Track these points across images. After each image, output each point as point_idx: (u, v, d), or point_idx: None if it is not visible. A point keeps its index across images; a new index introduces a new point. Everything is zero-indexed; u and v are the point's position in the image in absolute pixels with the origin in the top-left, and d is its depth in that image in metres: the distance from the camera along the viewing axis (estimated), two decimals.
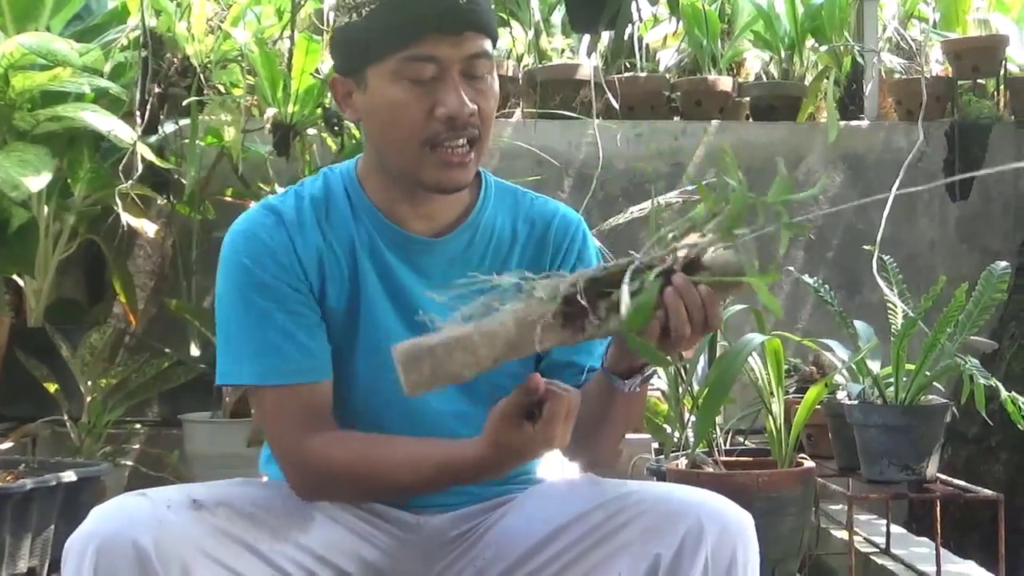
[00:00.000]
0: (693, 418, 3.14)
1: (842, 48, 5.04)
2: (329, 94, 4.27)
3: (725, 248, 1.75)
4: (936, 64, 5.20)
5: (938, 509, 3.18)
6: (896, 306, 3.32)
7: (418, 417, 2.06)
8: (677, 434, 3.24)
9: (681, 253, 1.73)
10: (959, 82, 5.03)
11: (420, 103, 1.94)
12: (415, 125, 1.95)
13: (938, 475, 3.15)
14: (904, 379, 3.07)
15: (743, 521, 1.86)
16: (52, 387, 3.85)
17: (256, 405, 2.03)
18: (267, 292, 2.01)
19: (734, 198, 1.73)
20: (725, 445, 3.25)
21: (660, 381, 3.35)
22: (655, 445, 3.63)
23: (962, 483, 3.18)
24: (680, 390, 3.20)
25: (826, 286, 3.39)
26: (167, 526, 1.76)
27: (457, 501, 2.13)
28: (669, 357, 1.80)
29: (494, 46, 2.04)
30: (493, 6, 4.80)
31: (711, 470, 3.00)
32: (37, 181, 3.50)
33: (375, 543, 2.08)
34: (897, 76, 5.13)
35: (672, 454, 3.17)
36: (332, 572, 2.00)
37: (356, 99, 2.02)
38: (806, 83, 5.10)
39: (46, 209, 4.01)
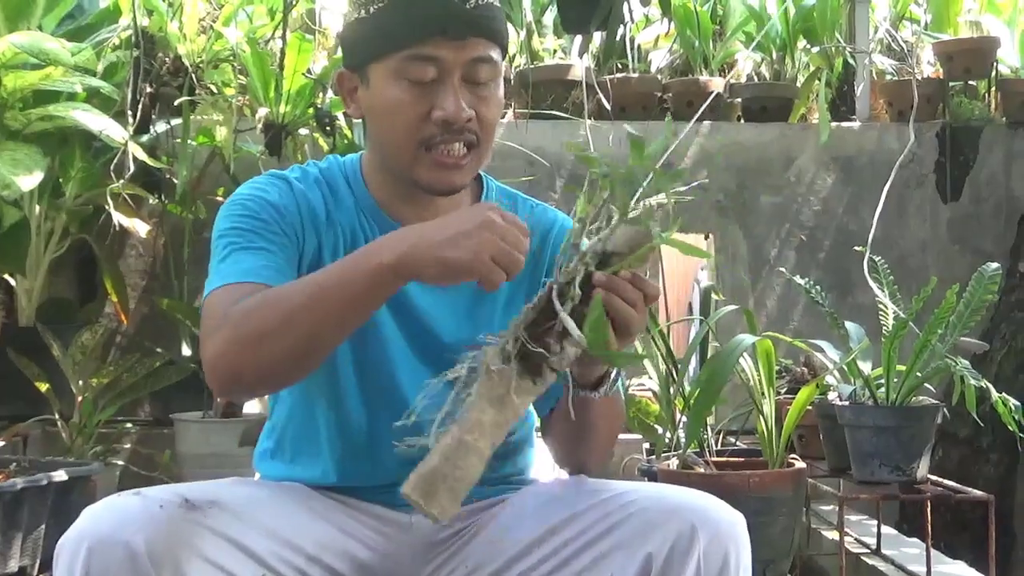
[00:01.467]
0: (684, 419, 3.15)
1: (833, 49, 5.04)
2: (321, 94, 4.28)
3: (625, 226, 1.75)
4: (927, 66, 5.21)
5: (929, 510, 3.18)
6: (887, 307, 3.33)
7: (400, 399, 2.04)
8: (668, 435, 3.24)
9: (589, 256, 1.74)
10: (950, 84, 5.04)
11: (418, 104, 1.95)
12: (411, 125, 1.96)
13: (929, 476, 3.16)
14: (895, 380, 3.08)
15: (735, 522, 1.86)
16: (43, 386, 3.85)
17: (205, 310, 1.91)
18: (257, 225, 2.00)
19: (606, 183, 1.75)
20: (716, 446, 3.25)
21: (651, 382, 3.36)
22: (646, 446, 3.64)
23: (953, 484, 3.19)
24: (671, 391, 3.21)
25: (817, 287, 3.39)
26: (159, 526, 1.76)
27: None
28: (638, 344, 1.83)
29: (504, 56, 2.04)
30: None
31: (702, 471, 3.00)
32: (28, 180, 3.50)
33: (367, 543, 2.08)
34: (888, 77, 5.14)
35: (663, 455, 3.18)
36: (324, 571, 2.00)
37: (360, 95, 2.03)
38: (798, 84, 5.11)
39: (38, 208, 4.01)
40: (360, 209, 2.09)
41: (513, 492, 2.11)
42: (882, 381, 3.10)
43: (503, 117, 4.78)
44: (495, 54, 1.98)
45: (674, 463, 3.06)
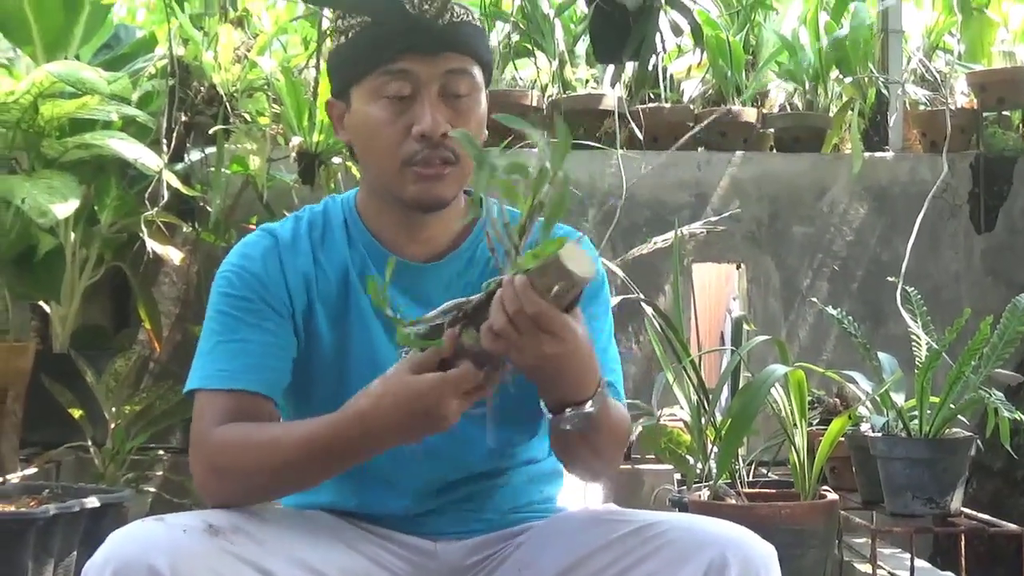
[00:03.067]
0: (716, 449, 3.13)
1: (866, 79, 5.03)
2: None
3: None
4: (961, 96, 5.19)
5: (962, 543, 3.16)
6: (920, 338, 3.31)
7: (418, 444, 2.02)
8: (699, 465, 3.23)
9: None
10: (984, 114, 5.02)
11: (397, 121, 1.97)
12: (392, 143, 1.98)
13: (962, 509, 3.14)
14: (928, 412, 3.06)
15: (766, 553, 1.85)
16: (76, 413, 3.86)
17: (194, 412, 1.99)
18: (241, 304, 2.03)
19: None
20: (748, 477, 3.24)
21: (683, 412, 3.35)
22: (677, 476, 3.63)
23: (987, 517, 3.16)
24: (703, 421, 3.19)
25: (850, 318, 3.38)
26: (183, 550, 1.76)
27: (475, 528, 2.13)
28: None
29: (486, 71, 2.06)
30: (513, 37, 4.76)
31: (733, 502, 2.99)
32: (64, 208, 3.52)
33: (392, 570, 2.07)
34: (922, 108, 5.12)
35: (694, 485, 3.17)
36: None
37: (346, 120, 2.07)
38: (830, 114, 5.10)
39: (73, 236, 4.04)
40: (352, 244, 2.10)
41: (540, 520, 2.10)
42: (915, 413, 3.09)
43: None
44: (472, 68, 2.00)
45: (705, 494, 3.05)
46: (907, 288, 3.55)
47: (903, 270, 4.23)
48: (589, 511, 2.10)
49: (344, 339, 2.07)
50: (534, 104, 4.89)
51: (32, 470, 3.79)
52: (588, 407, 1.84)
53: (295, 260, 2.07)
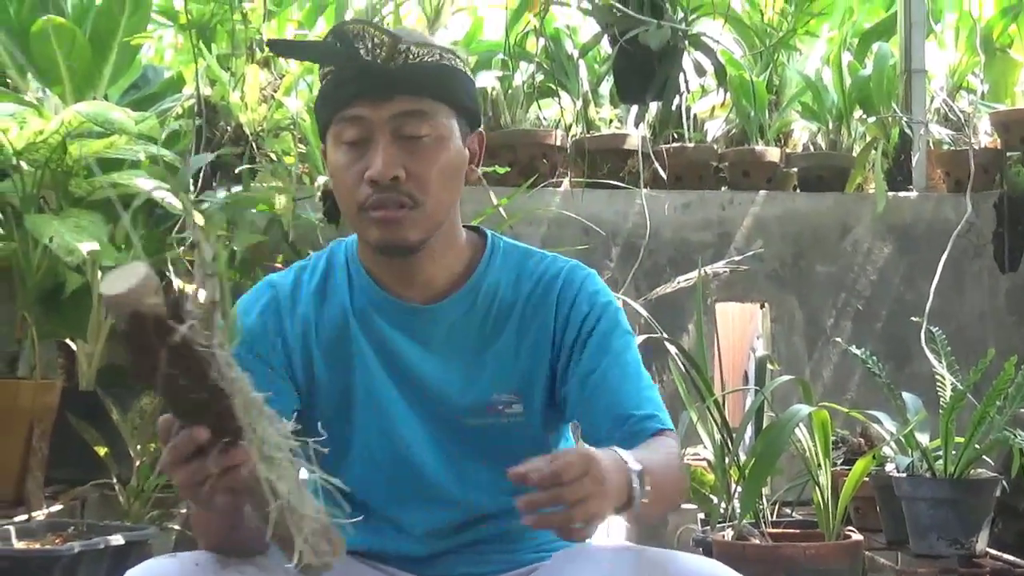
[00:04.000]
0: (739, 489, 3.12)
1: (890, 119, 5.04)
2: None
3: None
4: (985, 135, 5.19)
5: None
6: (945, 378, 3.30)
7: (417, 483, 2.05)
8: (723, 505, 3.21)
9: None
10: (1008, 153, 5.01)
11: (354, 167, 1.95)
12: (349, 189, 1.96)
13: (988, 550, 3.12)
14: (953, 452, 3.05)
15: None
16: (102, 450, 3.87)
17: None
18: (241, 365, 2.01)
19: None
20: (772, 516, 3.22)
21: (706, 451, 3.34)
22: (701, 515, 3.61)
23: (1012, 558, 3.14)
24: (726, 460, 3.18)
25: (874, 357, 3.37)
26: None
27: (489, 570, 2.12)
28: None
29: (463, 111, 2.02)
30: (537, 77, 4.76)
31: (757, 541, 2.98)
32: (91, 246, 3.54)
33: None
34: (945, 147, 5.12)
35: (718, 525, 3.15)
36: None
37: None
38: (854, 154, 5.10)
39: (99, 274, 4.05)
40: (352, 287, 2.09)
41: (562, 553, 2.06)
42: (940, 453, 3.07)
43: (559, 186, 4.81)
44: (430, 109, 1.96)
45: (729, 534, 3.04)
46: (931, 328, 3.54)
47: (927, 310, 4.21)
48: (614, 550, 2.08)
49: (346, 382, 2.07)
50: (558, 144, 4.91)
51: (57, 507, 3.80)
52: (634, 508, 1.75)
53: (295, 311, 2.07)
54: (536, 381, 2.07)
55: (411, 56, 1.93)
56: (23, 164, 3.76)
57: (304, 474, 1.58)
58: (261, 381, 1.99)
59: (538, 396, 2.07)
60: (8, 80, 4.38)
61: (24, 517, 3.59)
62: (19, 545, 3.19)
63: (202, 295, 1.48)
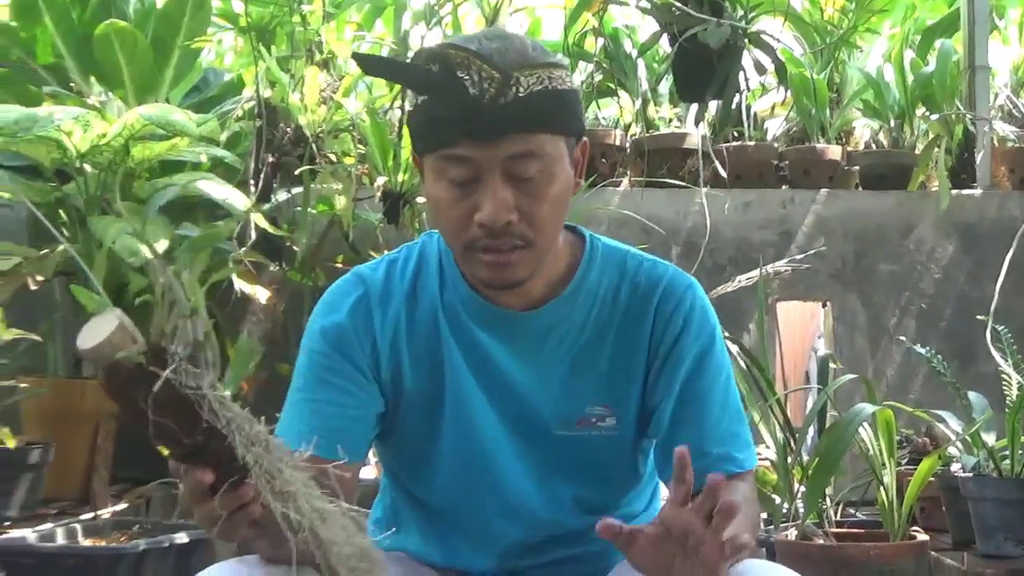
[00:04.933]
0: (802, 488, 3.10)
1: (953, 116, 4.99)
2: None
3: None
4: None
5: None
6: (1011, 377, 3.26)
7: (499, 496, 2.01)
8: (786, 505, 3.19)
9: None
10: None
11: (460, 205, 1.82)
12: (455, 227, 1.84)
13: None
14: (1020, 452, 3.01)
15: None
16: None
17: None
18: (323, 362, 1.98)
19: None
20: (835, 516, 3.19)
21: (769, 451, 3.32)
22: (764, 515, 3.59)
23: None
24: (789, 460, 3.16)
25: (939, 356, 3.34)
26: None
27: (565, 571, 2.09)
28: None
29: (571, 135, 1.87)
30: (596, 76, 4.73)
31: (821, 542, 2.95)
32: (154, 248, 3.57)
33: None
34: (1010, 144, 5.06)
35: (781, 525, 3.13)
36: None
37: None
38: (917, 152, 5.05)
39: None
40: (445, 288, 2.00)
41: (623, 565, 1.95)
42: (1007, 452, 3.04)
43: (618, 186, 4.79)
44: (541, 147, 1.80)
45: (792, 534, 3.01)
46: (996, 326, 3.50)
47: (992, 308, 4.15)
48: None
49: (435, 386, 1.99)
50: (617, 143, 4.90)
51: (123, 506, 3.83)
52: None
53: (386, 311, 1.99)
54: (631, 395, 1.99)
55: (521, 89, 1.78)
56: (87, 167, 3.80)
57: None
58: (346, 383, 1.97)
59: (631, 410, 2.00)
60: (71, 84, 4.43)
61: (90, 515, 3.63)
62: (86, 543, 3.22)
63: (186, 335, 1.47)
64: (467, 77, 1.75)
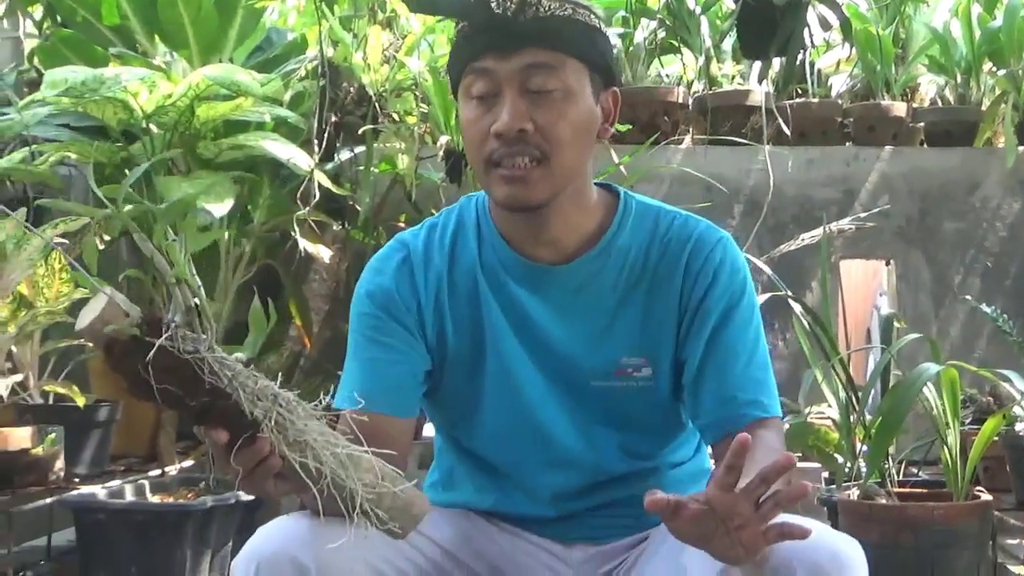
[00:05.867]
0: (865, 448, 3.09)
1: (1021, 72, 4.91)
2: None
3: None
4: None
5: None
6: None
7: (545, 446, 2.05)
8: (848, 464, 3.18)
9: None
10: None
11: (482, 121, 1.93)
12: (477, 143, 1.94)
13: None
14: None
15: (842, 555, 1.73)
16: None
17: None
18: (372, 323, 2.04)
19: None
20: (898, 476, 3.18)
21: (831, 410, 3.30)
22: (825, 475, 3.58)
23: None
24: (852, 419, 3.15)
25: (1004, 315, 3.32)
26: (325, 541, 1.79)
27: (610, 534, 2.12)
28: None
29: (594, 66, 1.97)
30: (659, 34, 4.70)
31: (884, 501, 2.94)
32: (219, 208, 3.59)
33: (523, 564, 2.09)
34: None
35: (844, 484, 3.12)
36: None
37: None
38: (983, 108, 4.99)
39: (227, 235, 4.12)
40: (482, 245, 2.07)
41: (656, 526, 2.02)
42: None
43: (680, 143, 4.77)
44: (560, 62, 1.91)
45: (855, 493, 3.01)
46: None
47: None
48: None
49: (476, 343, 2.06)
50: (680, 101, 4.87)
51: (189, 463, 3.89)
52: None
53: (427, 272, 2.06)
54: (665, 345, 2.04)
55: (542, 9, 1.90)
56: (152, 127, 3.83)
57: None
58: (394, 341, 2.04)
59: (666, 361, 2.04)
60: (137, 45, 4.46)
61: (157, 472, 3.68)
62: (154, 499, 3.27)
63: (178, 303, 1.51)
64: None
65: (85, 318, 1.48)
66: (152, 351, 1.45)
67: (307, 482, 1.55)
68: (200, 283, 1.53)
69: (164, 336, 1.46)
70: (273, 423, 1.53)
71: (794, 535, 1.63)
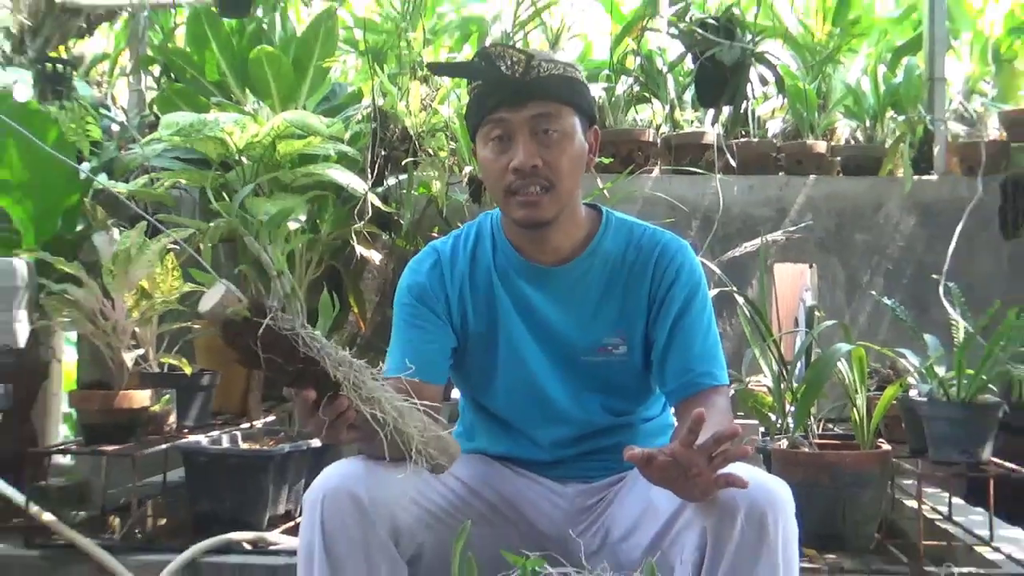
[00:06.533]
0: (792, 409, 3.09)
1: (916, 118, 4.90)
2: None
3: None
4: (994, 130, 5.02)
5: (991, 486, 3.07)
6: (959, 323, 3.23)
7: (545, 406, 2.07)
8: (780, 421, 3.19)
9: None
10: (1012, 144, 4.84)
11: (500, 160, 1.95)
12: (497, 177, 1.96)
13: (992, 459, 3.05)
14: (965, 382, 2.98)
15: (773, 492, 1.74)
16: None
17: None
18: (410, 311, 2.07)
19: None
20: (818, 430, 3.18)
21: (766, 379, 3.30)
22: (762, 429, 3.58)
23: (1012, 465, 3.07)
24: (782, 387, 3.15)
25: (901, 307, 3.31)
26: (377, 479, 1.80)
27: (597, 474, 2.13)
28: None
29: (581, 111, 1.99)
30: (635, 88, 4.69)
31: (807, 450, 2.95)
32: (295, 222, 3.61)
33: (532, 500, 2.10)
34: (961, 140, 4.97)
35: (776, 437, 3.13)
36: (503, 520, 2.05)
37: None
38: (886, 146, 4.98)
39: (300, 243, 4.13)
40: (496, 251, 2.09)
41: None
42: (954, 382, 3.01)
43: (651, 173, 4.77)
44: (557, 111, 1.95)
45: (784, 444, 3.01)
46: (948, 284, 3.46)
47: (945, 270, 4.11)
48: None
49: (492, 328, 2.08)
50: (651, 140, 4.87)
51: (271, 418, 3.89)
52: None
53: (454, 271, 2.09)
54: (637, 328, 2.07)
55: (542, 70, 1.93)
56: (243, 159, 3.84)
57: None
58: (428, 325, 2.07)
59: (638, 340, 2.07)
60: (232, 95, 4.47)
61: (247, 425, 3.69)
62: (244, 446, 3.28)
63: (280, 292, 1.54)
64: (502, 63, 1.92)
65: (207, 303, 1.49)
66: (260, 329, 1.46)
67: (375, 429, 1.58)
68: (291, 277, 1.55)
69: (268, 317, 1.48)
70: (351, 384, 1.55)
71: (738, 484, 1.65)
